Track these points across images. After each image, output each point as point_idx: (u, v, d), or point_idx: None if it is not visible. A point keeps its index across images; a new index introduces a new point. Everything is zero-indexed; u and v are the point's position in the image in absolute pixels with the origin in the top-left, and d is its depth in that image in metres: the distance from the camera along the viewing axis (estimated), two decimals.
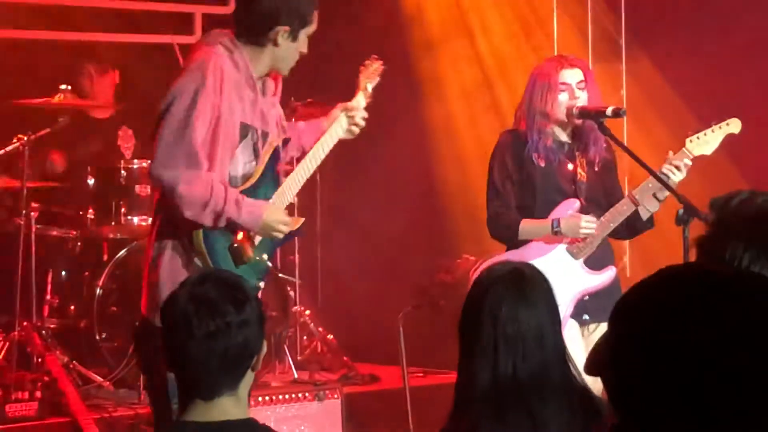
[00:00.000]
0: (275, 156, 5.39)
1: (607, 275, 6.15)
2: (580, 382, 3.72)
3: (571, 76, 6.12)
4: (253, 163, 5.32)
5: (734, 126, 6.23)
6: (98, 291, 7.95)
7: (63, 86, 7.89)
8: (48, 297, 8.02)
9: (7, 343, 7.52)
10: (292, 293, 8.53)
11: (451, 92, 9.73)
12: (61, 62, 8.84)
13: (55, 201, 8.15)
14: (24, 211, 7.73)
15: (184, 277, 4.81)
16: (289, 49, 5.25)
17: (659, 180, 5.93)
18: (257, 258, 5.28)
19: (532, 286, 3.75)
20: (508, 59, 9.63)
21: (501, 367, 3.62)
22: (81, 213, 8.12)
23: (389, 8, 9.81)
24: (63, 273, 8.16)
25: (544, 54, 9.55)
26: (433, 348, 7.90)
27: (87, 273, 8.13)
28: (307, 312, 8.67)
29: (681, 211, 5.52)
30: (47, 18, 9.12)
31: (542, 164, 6.14)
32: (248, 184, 5.27)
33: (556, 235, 6.04)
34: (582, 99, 6.12)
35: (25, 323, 7.60)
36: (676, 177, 6.00)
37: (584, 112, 6.09)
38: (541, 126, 6.12)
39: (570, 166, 6.20)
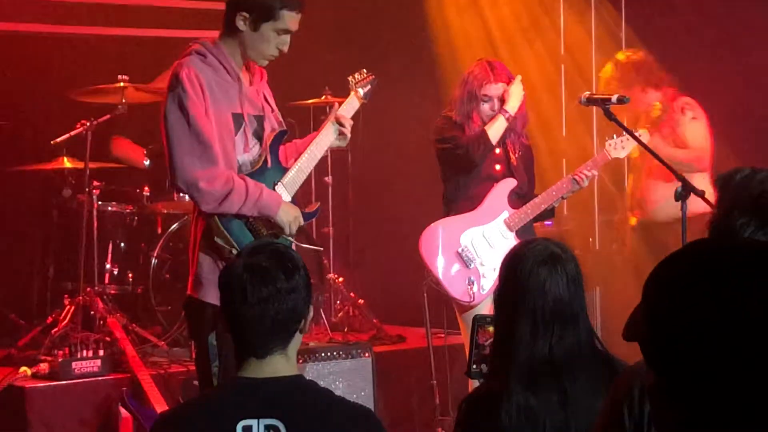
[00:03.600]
0: (276, 141, 5.35)
1: None
2: (605, 353, 3.73)
3: (495, 90, 6.56)
4: (257, 147, 5.32)
5: (644, 136, 6.46)
6: (153, 261, 8.06)
7: (121, 76, 7.91)
8: (108, 266, 8.09)
9: (73, 307, 7.59)
10: (326, 262, 8.58)
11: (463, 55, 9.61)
12: (120, 54, 8.89)
13: (114, 180, 8.20)
14: (87, 189, 7.81)
15: (215, 258, 5.12)
16: (252, 37, 5.19)
17: (659, 160, 5.96)
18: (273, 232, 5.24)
19: (571, 269, 3.71)
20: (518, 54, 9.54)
21: (538, 348, 3.62)
22: (138, 190, 8.21)
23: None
24: (122, 244, 8.22)
25: (551, 45, 9.58)
26: (453, 312, 7.95)
27: (143, 244, 8.23)
28: (340, 279, 8.71)
29: (679, 188, 5.56)
30: (107, 14, 9.17)
31: None
32: (254, 169, 5.26)
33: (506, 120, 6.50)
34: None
35: (88, 289, 7.71)
36: (584, 184, 6.52)
37: (591, 99, 6.14)
38: (467, 123, 6.57)
39: (498, 150, 6.61)
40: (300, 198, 8.36)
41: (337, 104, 5.73)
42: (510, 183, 6.58)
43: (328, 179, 8.83)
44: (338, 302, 8.71)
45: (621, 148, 6.54)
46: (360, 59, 9.32)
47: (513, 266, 3.75)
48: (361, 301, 8.64)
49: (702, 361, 1.81)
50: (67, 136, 7.79)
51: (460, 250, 6.47)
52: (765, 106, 8.62)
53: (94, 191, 7.86)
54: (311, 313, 3.56)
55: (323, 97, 8.55)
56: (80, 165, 7.84)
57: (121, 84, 7.93)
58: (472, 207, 6.57)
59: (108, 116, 7.81)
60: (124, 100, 7.86)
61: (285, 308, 3.42)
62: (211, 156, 5.06)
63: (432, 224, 6.58)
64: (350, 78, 5.75)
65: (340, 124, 5.51)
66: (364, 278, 9.00)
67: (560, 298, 3.65)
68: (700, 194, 5.50)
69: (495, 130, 6.51)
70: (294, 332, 3.49)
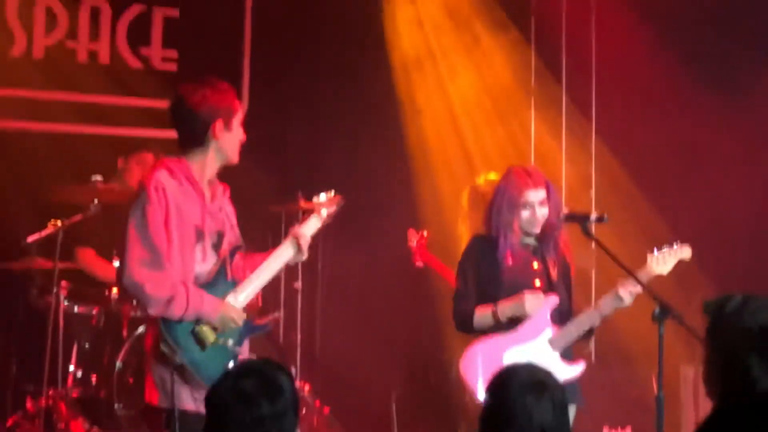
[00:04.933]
0: (232, 255, 5.61)
1: (579, 367, 6.22)
2: None
3: (535, 195, 6.23)
4: (214, 259, 5.55)
5: (686, 252, 6.29)
6: (118, 364, 7.93)
7: (94, 177, 7.86)
8: (72, 368, 7.98)
9: (35, 410, 7.45)
10: (293, 369, 8.48)
11: (438, 165, 9.61)
12: (94, 154, 8.86)
13: (82, 280, 8.10)
14: (55, 290, 7.71)
15: (163, 366, 5.23)
16: (229, 139, 5.55)
17: (637, 281, 5.95)
18: (220, 342, 5.41)
19: (558, 396, 3.68)
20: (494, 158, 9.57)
21: None
22: (106, 292, 8.09)
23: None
24: (87, 346, 8.10)
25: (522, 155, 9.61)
26: (424, 422, 7.89)
27: (108, 347, 8.09)
28: (306, 387, 8.61)
29: (657, 310, 5.52)
30: (83, 112, 9.16)
31: (510, 263, 6.25)
32: (207, 281, 5.48)
33: (497, 323, 6.12)
34: (543, 214, 6.24)
35: (51, 391, 7.57)
36: (627, 301, 6.12)
37: (570, 217, 6.15)
38: (507, 235, 6.23)
39: (536, 265, 6.30)
40: (269, 303, 8.35)
41: (297, 224, 5.91)
42: (552, 301, 6.22)
43: (298, 284, 8.76)
44: (303, 410, 8.59)
45: (663, 262, 6.22)
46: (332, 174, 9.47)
47: (498, 392, 3.70)
48: (326, 409, 8.53)
49: None
50: (38, 235, 7.72)
51: None
52: (734, 223, 8.70)
53: (62, 291, 7.77)
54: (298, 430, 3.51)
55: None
56: (49, 265, 7.74)
57: (95, 183, 7.88)
58: (513, 326, 6.20)
59: (80, 216, 7.75)
60: (96, 201, 7.80)
61: None
62: (159, 262, 5.31)
63: (473, 345, 6.21)
64: (315, 198, 5.97)
65: (298, 242, 5.70)
66: (331, 386, 8.89)
67: (547, 425, 3.60)
68: (678, 318, 5.47)
69: (483, 320, 6.18)
70: None
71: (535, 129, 9.70)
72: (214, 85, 5.55)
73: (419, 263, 8.11)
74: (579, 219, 6.09)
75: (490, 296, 6.20)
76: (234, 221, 5.73)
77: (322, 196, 5.97)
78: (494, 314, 6.15)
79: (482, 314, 6.18)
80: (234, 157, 5.62)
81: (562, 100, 9.62)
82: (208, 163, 5.53)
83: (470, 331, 6.24)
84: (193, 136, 5.51)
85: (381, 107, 9.73)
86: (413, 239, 8.11)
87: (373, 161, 9.60)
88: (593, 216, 6.04)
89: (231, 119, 5.55)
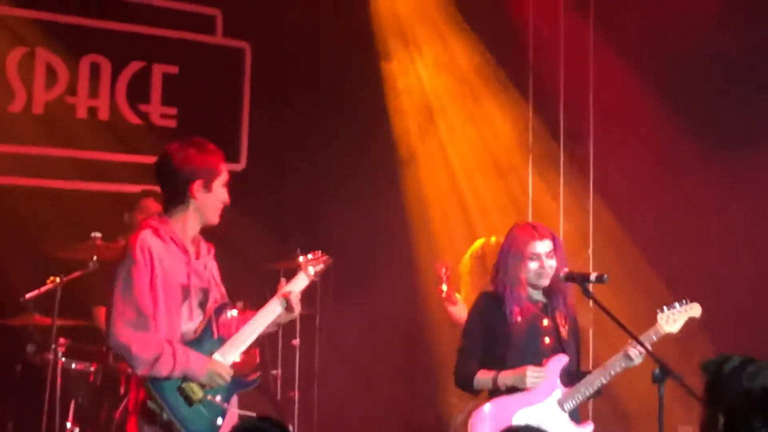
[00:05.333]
0: (218, 313, 5.62)
1: (589, 429, 6.22)
2: None
3: (542, 246, 6.22)
4: (200, 317, 5.59)
5: (696, 310, 6.27)
6: (115, 422, 7.89)
7: (93, 234, 7.86)
8: (69, 425, 7.93)
9: None
10: (291, 427, 8.45)
11: (436, 221, 9.59)
12: (94, 210, 8.87)
13: (81, 337, 8.07)
14: (53, 346, 7.70)
15: (150, 424, 5.33)
16: (207, 199, 5.57)
17: (638, 341, 5.94)
18: (208, 398, 5.44)
19: None
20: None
21: None
22: (104, 349, 8.05)
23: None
24: (84, 402, 8.07)
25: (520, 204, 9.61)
26: None
27: (106, 403, 8.06)
28: None
29: (657, 370, 5.51)
30: (82, 169, 9.18)
31: (518, 320, 6.21)
32: (193, 338, 5.51)
33: (496, 390, 6.09)
34: (550, 265, 6.23)
35: None
36: (637, 360, 6.08)
37: (570, 276, 6.14)
38: (515, 289, 6.21)
39: (545, 322, 6.26)
40: (267, 360, 8.34)
41: (284, 280, 5.89)
42: (561, 360, 6.20)
43: (296, 342, 8.75)
44: None
45: (673, 321, 6.19)
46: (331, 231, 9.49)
47: None
48: None
49: None
50: (37, 292, 7.72)
51: None
52: (733, 281, 8.69)
53: (60, 348, 7.75)
54: None
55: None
56: (47, 321, 7.73)
57: (94, 240, 7.87)
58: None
59: (79, 273, 7.75)
60: (95, 258, 7.81)
61: None
62: (145, 323, 5.35)
63: (482, 405, 6.16)
64: (301, 257, 5.97)
65: (287, 299, 5.73)
66: None
67: None
68: (679, 379, 5.45)
69: (484, 384, 6.16)
70: None
71: (533, 186, 9.72)
72: (201, 146, 5.58)
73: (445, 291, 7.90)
74: (578, 279, 6.08)
75: (498, 355, 6.17)
76: (218, 279, 5.75)
77: (309, 255, 5.98)
78: (494, 381, 6.12)
79: (483, 378, 6.16)
80: (212, 219, 5.64)
81: (560, 158, 9.65)
82: (188, 221, 5.57)
83: (470, 391, 6.23)
84: (174, 194, 5.56)
85: (380, 163, 9.76)
86: (442, 268, 7.93)
87: (372, 218, 9.62)
88: (593, 276, 6.04)
89: (212, 180, 5.57)
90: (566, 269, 6.16)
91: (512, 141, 9.78)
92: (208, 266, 5.68)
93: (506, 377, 6.11)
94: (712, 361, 3.47)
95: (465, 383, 6.23)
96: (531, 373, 6.08)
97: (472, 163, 9.83)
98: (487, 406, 6.15)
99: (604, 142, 9.54)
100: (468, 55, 9.81)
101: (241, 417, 5.65)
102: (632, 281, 8.69)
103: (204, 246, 5.69)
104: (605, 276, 6.04)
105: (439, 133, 9.84)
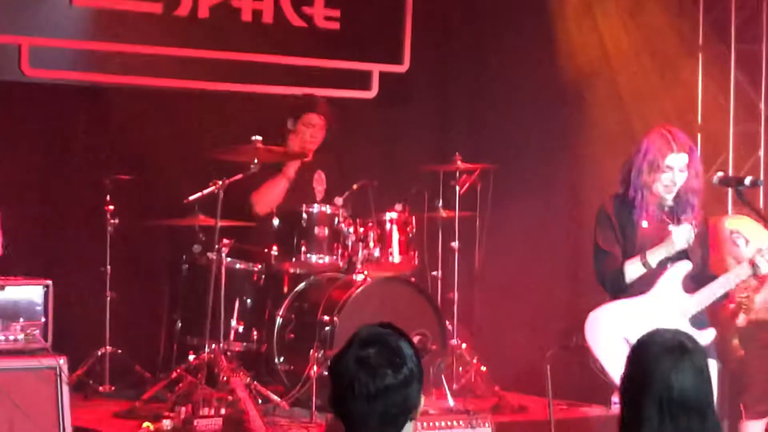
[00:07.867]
0: None
1: (711, 334, 6.05)
2: None
3: (678, 160, 6.09)
4: None
5: None
6: (278, 320, 8.10)
7: (254, 137, 7.96)
8: (234, 323, 8.15)
9: (198, 363, 7.66)
10: (450, 327, 8.51)
11: (596, 141, 9.39)
12: (256, 113, 8.99)
13: (243, 238, 8.24)
14: (217, 246, 7.87)
15: None
16: None
17: None
18: None
19: (698, 361, 3.61)
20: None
21: None
22: (266, 250, 8.21)
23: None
24: (248, 302, 8.28)
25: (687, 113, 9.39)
26: (576, 382, 7.86)
27: (269, 303, 8.26)
28: (464, 345, 8.64)
29: None
30: (244, 72, 9.29)
31: (645, 227, 6.12)
32: None
33: (645, 267, 6.01)
34: (681, 180, 6.10)
35: (213, 346, 7.76)
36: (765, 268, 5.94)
37: (724, 181, 6.02)
38: (645, 195, 6.11)
39: (672, 228, 6.14)
40: (428, 261, 8.41)
41: None
42: (685, 267, 6.08)
43: (455, 244, 8.77)
44: (461, 368, 8.62)
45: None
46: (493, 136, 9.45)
47: (640, 353, 3.67)
48: (483, 368, 8.56)
49: None
50: (199, 194, 7.89)
51: (628, 338, 5.80)
52: None
53: (224, 249, 7.93)
54: (422, 402, 3.51)
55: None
56: (211, 222, 7.90)
57: (255, 143, 7.98)
58: (641, 290, 6.10)
59: (240, 175, 7.89)
60: (256, 160, 7.93)
61: (393, 403, 3.37)
62: None
63: (597, 309, 6.15)
64: None
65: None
66: (487, 345, 8.90)
67: (687, 391, 3.56)
68: None
69: (634, 273, 6.09)
70: (405, 422, 3.44)
71: (702, 88, 9.48)
72: None
73: None
74: (732, 183, 5.97)
75: (626, 256, 6.12)
76: None
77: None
78: (644, 263, 6.03)
79: (632, 265, 6.08)
80: None
81: (731, 59, 9.39)
82: None
83: (619, 285, 6.12)
84: None
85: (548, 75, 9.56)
86: None
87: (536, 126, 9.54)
88: (747, 180, 5.90)
89: None
90: (720, 173, 6.05)
91: (680, 43, 9.49)
92: None
93: (653, 252, 6.04)
94: None
95: (613, 277, 6.13)
96: (676, 230, 6.00)
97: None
98: (600, 313, 6.12)
99: None
100: None
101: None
102: None
103: None
104: (760, 180, 5.91)
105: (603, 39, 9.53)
